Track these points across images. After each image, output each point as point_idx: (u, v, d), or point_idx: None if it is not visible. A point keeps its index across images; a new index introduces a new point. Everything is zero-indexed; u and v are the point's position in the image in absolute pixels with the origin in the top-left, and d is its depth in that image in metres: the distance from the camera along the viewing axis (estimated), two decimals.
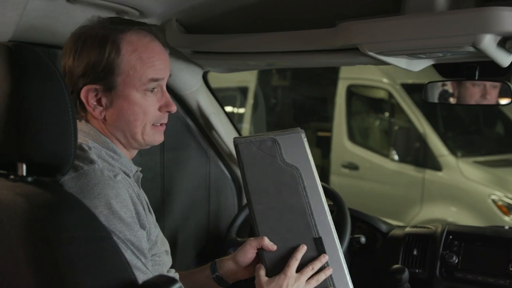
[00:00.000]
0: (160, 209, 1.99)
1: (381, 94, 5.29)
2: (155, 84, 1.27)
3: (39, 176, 1.00)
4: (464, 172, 4.50)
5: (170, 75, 1.34)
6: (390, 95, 5.09)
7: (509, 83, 1.52)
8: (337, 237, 1.30)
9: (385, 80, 5.10)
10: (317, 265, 1.29)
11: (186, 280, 1.48)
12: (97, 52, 1.21)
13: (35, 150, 0.96)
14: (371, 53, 1.32)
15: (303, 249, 1.28)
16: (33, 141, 0.96)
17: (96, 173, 1.13)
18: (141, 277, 1.11)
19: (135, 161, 1.39)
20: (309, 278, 1.29)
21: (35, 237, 0.90)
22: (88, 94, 1.23)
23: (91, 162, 1.16)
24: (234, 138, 1.35)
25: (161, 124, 1.33)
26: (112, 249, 0.95)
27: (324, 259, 1.29)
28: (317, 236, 1.27)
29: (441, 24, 1.17)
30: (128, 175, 1.25)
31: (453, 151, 4.66)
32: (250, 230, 2.03)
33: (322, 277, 1.29)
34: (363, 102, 5.64)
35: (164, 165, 2.01)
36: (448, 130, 5.11)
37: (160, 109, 1.29)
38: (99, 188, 1.11)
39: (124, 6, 1.51)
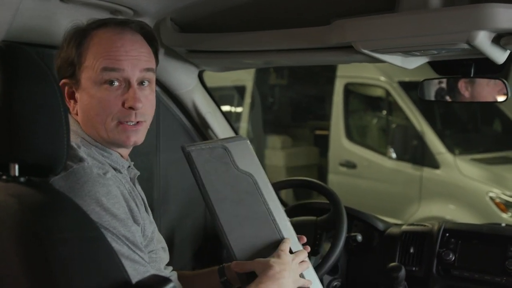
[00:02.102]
0: (157, 209, 1.99)
1: (379, 92, 5.28)
2: (111, 74, 1.20)
3: (31, 177, 1.00)
4: (461, 170, 4.49)
5: (151, 70, 1.28)
6: (388, 93, 5.09)
7: (504, 80, 1.52)
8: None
9: (382, 78, 5.10)
10: (304, 253, 1.30)
11: (189, 282, 1.48)
12: (69, 47, 1.23)
13: (27, 151, 0.96)
14: (365, 51, 1.32)
15: (289, 241, 1.27)
16: (25, 141, 0.96)
17: (85, 171, 1.11)
18: (141, 270, 1.11)
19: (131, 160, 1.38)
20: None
21: (27, 238, 0.89)
22: (64, 88, 1.24)
23: (80, 160, 1.14)
24: (183, 146, 1.29)
25: (131, 123, 1.23)
26: (105, 249, 0.95)
27: (306, 251, 1.30)
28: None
29: (435, 21, 1.16)
30: (119, 171, 1.24)
31: (450, 148, 4.66)
32: None
33: (306, 265, 1.29)
34: (361, 100, 5.63)
35: (160, 165, 2.00)
36: (446, 128, 5.11)
37: (122, 104, 1.21)
38: (89, 186, 1.10)
39: (118, 5, 1.51)
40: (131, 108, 1.21)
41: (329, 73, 5.58)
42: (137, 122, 1.24)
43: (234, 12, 1.57)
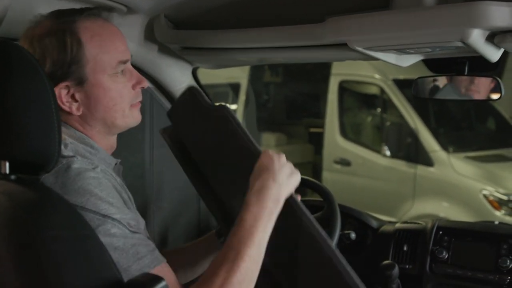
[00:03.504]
0: (150, 207, 1.98)
1: (373, 90, 5.29)
2: (123, 66, 1.26)
3: (22, 174, 0.99)
4: (455, 168, 4.51)
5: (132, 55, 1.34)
6: (382, 91, 5.10)
7: (498, 78, 1.52)
8: None
9: (377, 75, 5.10)
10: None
11: (184, 255, 1.53)
12: (59, 48, 1.18)
13: (18, 148, 0.95)
14: (359, 49, 1.32)
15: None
16: (16, 138, 0.95)
17: (75, 166, 1.10)
18: (144, 251, 1.08)
19: (124, 159, 1.38)
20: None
21: (18, 236, 0.89)
22: (60, 93, 1.20)
23: (69, 157, 1.13)
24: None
25: (138, 103, 1.32)
26: (97, 248, 0.94)
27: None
28: None
29: (429, 19, 1.16)
30: (108, 170, 1.21)
31: (444, 146, 4.67)
32: None
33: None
34: (355, 98, 5.64)
35: (153, 162, 2.00)
36: (440, 126, 5.12)
37: (133, 87, 1.29)
38: (80, 179, 1.08)
39: (111, 1, 1.50)
40: (142, 87, 1.31)
41: (324, 70, 5.58)
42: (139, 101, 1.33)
43: (228, 9, 1.56)
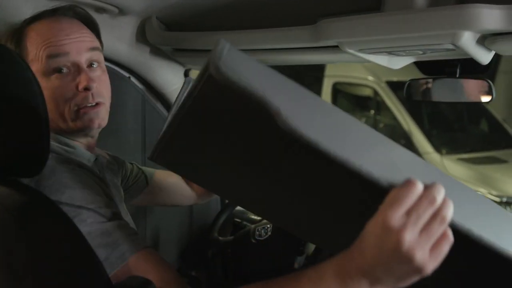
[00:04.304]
0: (142, 208, 1.97)
1: (367, 92, 5.31)
2: (58, 61, 1.16)
3: (9, 177, 0.99)
4: (448, 169, 4.52)
5: (97, 49, 1.24)
6: (376, 93, 5.11)
7: (489, 81, 1.52)
8: None
9: (370, 77, 5.12)
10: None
11: None
12: (11, 40, 1.20)
13: (4, 150, 0.94)
14: (351, 51, 1.32)
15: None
16: (2, 140, 0.94)
17: (49, 163, 1.05)
18: (122, 237, 1.04)
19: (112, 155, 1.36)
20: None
21: (5, 238, 0.88)
22: None
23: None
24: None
25: (90, 105, 1.18)
26: (85, 249, 0.93)
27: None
28: None
29: (420, 21, 1.16)
30: (85, 165, 1.17)
31: (437, 148, 4.69)
32: (232, 228, 2.02)
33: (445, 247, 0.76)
34: (349, 100, 5.66)
35: (145, 163, 1.99)
36: (433, 128, 5.14)
37: (77, 88, 1.17)
38: (54, 176, 1.06)
39: (102, 3, 1.50)
40: (86, 89, 1.17)
41: (318, 72, 5.59)
42: (96, 104, 1.20)
43: (220, 11, 1.56)
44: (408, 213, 0.73)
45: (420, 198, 0.73)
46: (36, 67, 1.16)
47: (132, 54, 1.79)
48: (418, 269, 0.74)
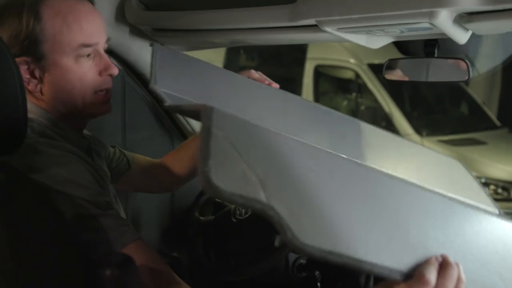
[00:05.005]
0: (122, 191, 1.97)
1: (348, 74, 5.32)
2: (88, 50, 1.21)
3: None
4: None
5: (109, 39, 1.30)
6: (357, 75, 5.13)
7: (466, 60, 1.54)
8: None
9: (352, 60, 5.13)
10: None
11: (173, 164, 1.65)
12: (16, 22, 1.16)
13: None
14: (329, 30, 1.32)
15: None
16: None
17: (42, 148, 1.09)
18: (115, 228, 1.06)
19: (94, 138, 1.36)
20: None
21: None
22: (20, 68, 1.15)
23: (36, 139, 1.12)
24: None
25: (106, 92, 1.27)
26: (63, 227, 0.93)
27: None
28: None
29: (398, 0, 1.17)
30: (76, 150, 1.19)
31: (418, 130, 4.73)
32: (213, 208, 2.03)
33: None
34: (331, 82, 5.67)
35: (126, 145, 1.98)
36: (414, 110, 5.18)
37: (100, 73, 1.24)
38: (47, 161, 1.07)
39: None
40: (110, 75, 1.25)
41: (300, 55, 5.59)
42: (107, 90, 1.27)
43: None
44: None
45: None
46: (61, 50, 1.17)
47: (112, 35, 1.76)
48: None
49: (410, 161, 1.44)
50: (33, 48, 1.17)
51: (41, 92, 1.21)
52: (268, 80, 1.49)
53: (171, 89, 1.13)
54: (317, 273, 1.67)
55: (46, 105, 1.22)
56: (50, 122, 1.21)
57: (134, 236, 1.09)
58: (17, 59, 1.16)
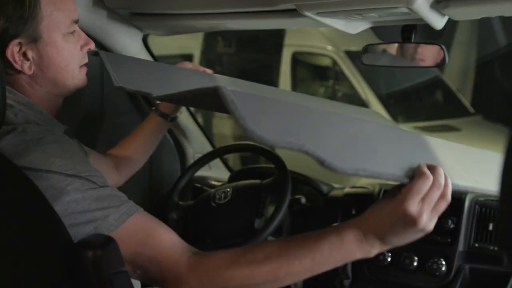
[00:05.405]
0: None
1: (326, 62, 5.34)
2: (76, 26, 1.27)
3: None
4: None
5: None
6: (335, 63, 5.15)
7: (442, 46, 1.56)
8: None
9: (329, 47, 5.15)
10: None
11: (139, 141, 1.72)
12: (16, 3, 1.15)
13: None
14: (308, 14, 1.33)
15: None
16: None
17: (33, 130, 1.10)
18: (117, 202, 1.09)
19: (73, 125, 1.36)
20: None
21: None
22: (13, 51, 1.17)
23: (24, 124, 1.12)
24: None
25: (84, 65, 1.34)
26: (44, 209, 0.93)
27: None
28: None
29: None
30: (63, 135, 1.22)
31: (394, 117, 4.78)
32: (192, 193, 2.04)
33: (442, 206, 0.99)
34: (308, 69, 5.68)
35: (103, 130, 1.98)
36: (390, 97, 5.23)
37: (81, 48, 1.30)
38: (42, 144, 1.08)
39: None
40: (89, 49, 1.33)
41: (277, 41, 5.58)
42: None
43: None
44: (423, 200, 0.95)
45: (432, 187, 0.95)
46: (56, 27, 1.21)
47: (89, 18, 1.75)
48: (425, 231, 0.99)
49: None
50: (32, 29, 1.18)
51: (32, 72, 1.22)
52: (201, 68, 1.75)
53: (132, 85, 1.36)
54: None
55: (31, 87, 1.23)
56: (33, 109, 1.21)
57: (137, 207, 1.12)
58: (12, 42, 1.16)
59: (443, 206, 0.98)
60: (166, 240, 1.09)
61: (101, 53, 1.51)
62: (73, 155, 1.10)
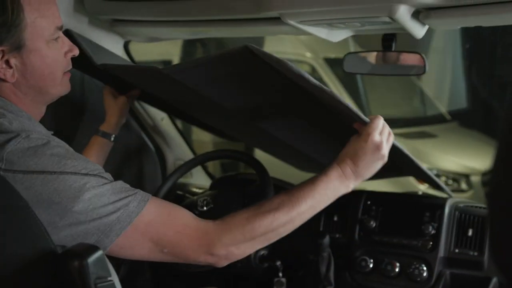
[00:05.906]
0: None
1: (305, 68, 5.37)
2: (59, 32, 1.25)
3: None
4: None
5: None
6: (313, 69, 5.18)
7: (422, 54, 1.59)
8: None
9: (308, 54, 5.18)
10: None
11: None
12: None
13: None
14: (292, 22, 1.34)
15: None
16: None
17: (37, 136, 1.11)
18: (131, 191, 1.16)
19: (56, 132, 1.35)
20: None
21: None
22: None
23: (24, 131, 1.12)
24: None
25: (68, 72, 1.32)
26: (30, 218, 0.92)
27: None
28: None
29: None
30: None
31: None
32: (174, 201, 2.02)
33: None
34: None
35: (87, 136, 1.96)
36: (368, 104, 5.28)
37: (65, 55, 1.29)
38: (50, 149, 1.10)
39: None
40: (73, 55, 1.31)
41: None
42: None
43: None
44: (381, 133, 1.31)
45: (384, 125, 1.32)
46: (40, 34, 1.19)
47: (70, 25, 1.73)
48: (383, 159, 1.32)
49: None
50: (15, 36, 1.15)
51: (15, 80, 1.20)
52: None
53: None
54: (278, 263, 1.70)
55: (15, 95, 1.21)
56: (22, 116, 1.20)
57: (148, 194, 1.18)
58: None
59: (391, 139, 1.33)
60: (186, 215, 1.22)
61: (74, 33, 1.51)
62: (79, 156, 1.15)
